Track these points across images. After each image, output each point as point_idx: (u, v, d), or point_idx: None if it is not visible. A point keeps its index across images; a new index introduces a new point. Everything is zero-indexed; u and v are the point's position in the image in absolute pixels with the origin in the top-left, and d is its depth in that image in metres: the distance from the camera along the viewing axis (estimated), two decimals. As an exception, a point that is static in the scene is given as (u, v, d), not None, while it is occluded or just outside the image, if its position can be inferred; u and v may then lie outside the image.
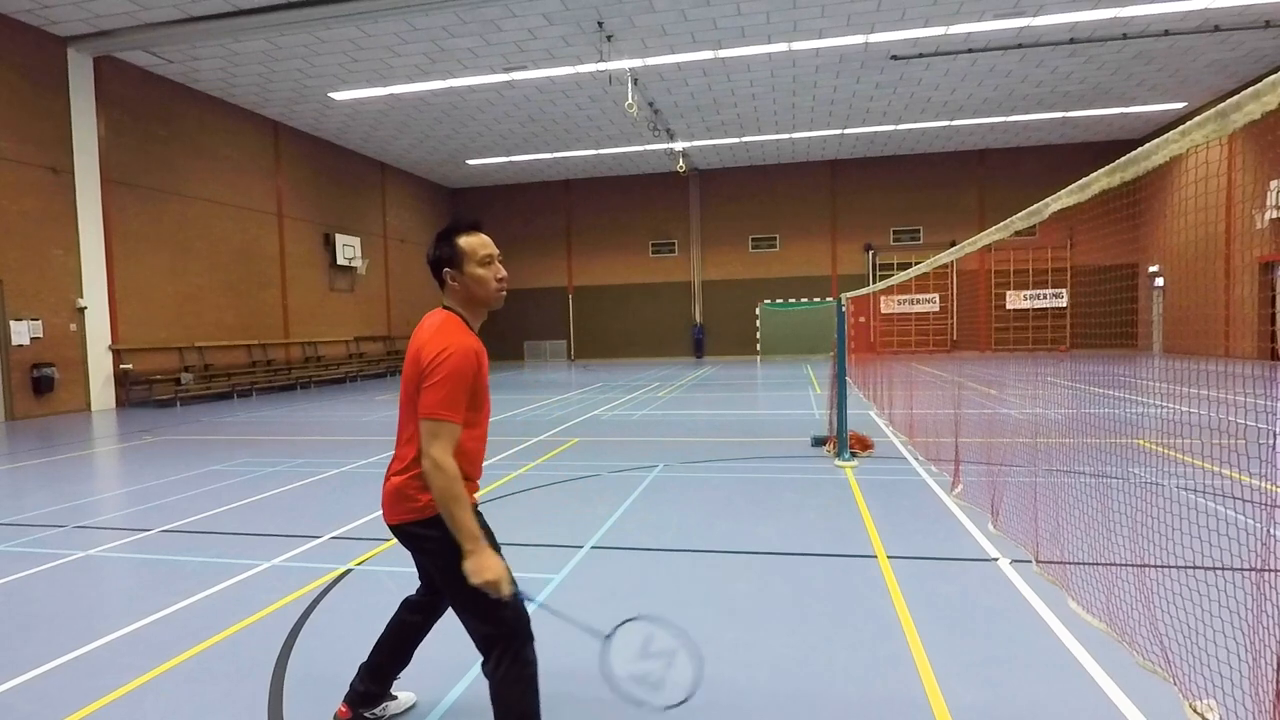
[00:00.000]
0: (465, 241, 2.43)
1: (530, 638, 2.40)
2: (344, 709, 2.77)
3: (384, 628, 2.82)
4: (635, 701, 2.37)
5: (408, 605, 2.81)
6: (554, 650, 3.42)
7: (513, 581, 2.28)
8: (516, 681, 2.35)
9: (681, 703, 2.31)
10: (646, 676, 2.45)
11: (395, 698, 2.90)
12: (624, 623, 2.45)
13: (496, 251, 2.49)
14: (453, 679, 3.17)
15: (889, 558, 4.66)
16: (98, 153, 15.92)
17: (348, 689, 2.79)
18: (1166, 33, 16.86)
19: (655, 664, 2.46)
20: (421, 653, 2.87)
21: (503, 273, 2.49)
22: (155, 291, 17.45)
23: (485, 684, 2.54)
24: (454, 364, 2.25)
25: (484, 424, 2.53)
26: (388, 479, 2.48)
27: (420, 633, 2.81)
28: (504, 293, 2.50)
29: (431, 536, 2.38)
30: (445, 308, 2.47)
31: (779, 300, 30.56)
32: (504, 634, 2.34)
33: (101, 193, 16.00)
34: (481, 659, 2.40)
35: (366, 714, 2.79)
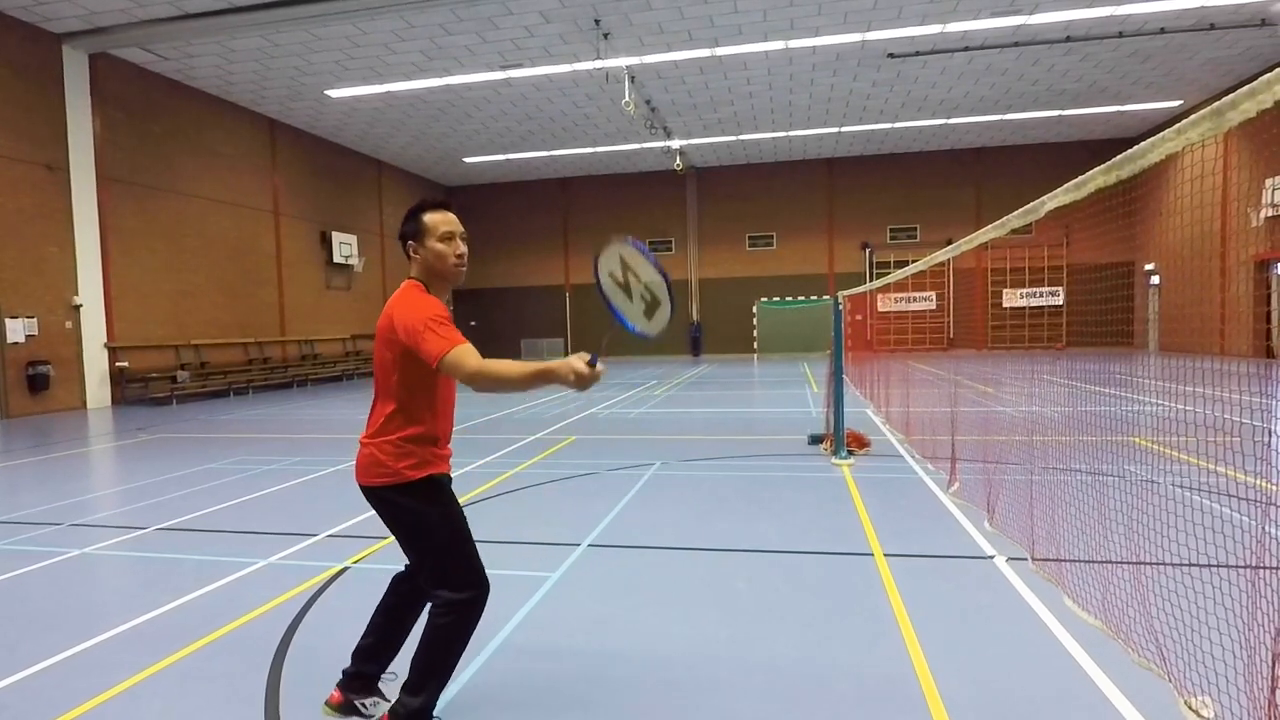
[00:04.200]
0: (429, 218, 2.60)
1: (482, 605, 2.56)
2: (337, 693, 2.82)
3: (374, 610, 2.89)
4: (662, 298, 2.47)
5: (395, 581, 2.88)
6: (558, 646, 3.42)
7: (586, 359, 2.32)
8: (453, 636, 2.52)
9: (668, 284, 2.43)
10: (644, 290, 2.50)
11: (389, 700, 2.86)
12: (606, 301, 2.51)
13: (459, 230, 2.63)
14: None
15: (885, 555, 4.67)
16: (93, 150, 15.86)
17: (341, 675, 2.84)
18: (1162, 30, 16.89)
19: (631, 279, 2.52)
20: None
21: (461, 249, 2.62)
22: (151, 289, 17.40)
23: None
24: (428, 311, 2.42)
25: (451, 383, 2.66)
26: (361, 444, 2.61)
27: (409, 611, 2.85)
28: (463, 268, 2.64)
29: (399, 503, 2.55)
30: (410, 278, 2.63)
31: (776, 298, 30.58)
32: (460, 599, 2.51)
33: (97, 190, 15.94)
34: (430, 605, 2.56)
35: (357, 702, 2.81)
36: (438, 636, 2.52)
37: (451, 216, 2.64)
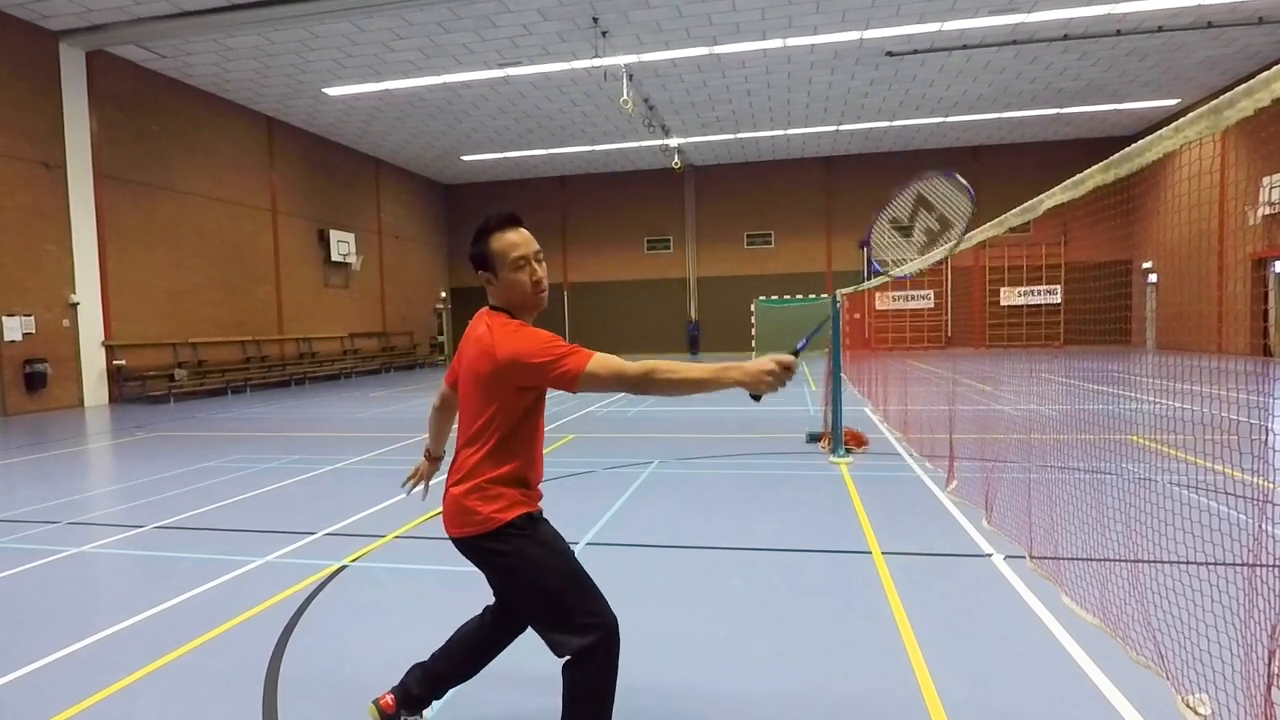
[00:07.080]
0: (496, 243, 2.28)
1: (617, 640, 2.23)
2: (389, 700, 2.59)
3: (453, 634, 2.63)
4: None
5: (487, 611, 2.62)
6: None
7: (788, 361, 2.08)
8: (595, 689, 2.21)
9: None
10: None
11: (422, 718, 2.72)
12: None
13: (534, 249, 2.31)
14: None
15: (884, 554, 4.67)
16: (90, 148, 15.83)
17: (398, 683, 2.62)
18: (1160, 29, 16.90)
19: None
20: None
21: (539, 273, 2.31)
22: (148, 287, 17.37)
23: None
24: (541, 335, 2.19)
25: (543, 424, 2.42)
26: (447, 488, 2.33)
27: (494, 647, 2.61)
28: (543, 293, 2.34)
29: (496, 550, 2.25)
30: (492, 307, 2.35)
31: (774, 297, 30.59)
32: (588, 645, 2.18)
33: (94, 188, 15.91)
34: (562, 664, 2.24)
35: (405, 717, 2.62)
36: (577, 696, 2.20)
37: (523, 236, 2.30)
